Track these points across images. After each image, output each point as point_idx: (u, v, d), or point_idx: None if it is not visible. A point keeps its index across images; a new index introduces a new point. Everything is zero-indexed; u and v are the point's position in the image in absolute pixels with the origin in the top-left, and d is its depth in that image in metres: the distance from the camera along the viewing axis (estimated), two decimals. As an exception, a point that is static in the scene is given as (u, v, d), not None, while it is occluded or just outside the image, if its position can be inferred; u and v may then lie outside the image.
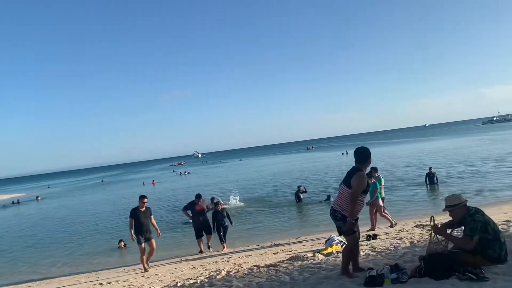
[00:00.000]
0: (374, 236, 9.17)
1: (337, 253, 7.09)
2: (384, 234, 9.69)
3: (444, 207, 4.88)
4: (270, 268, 6.71)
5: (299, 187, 20.60)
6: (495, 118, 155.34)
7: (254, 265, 7.32)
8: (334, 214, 5.12)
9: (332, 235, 8.59)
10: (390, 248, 7.06)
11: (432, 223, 4.96)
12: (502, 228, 6.59)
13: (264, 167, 57.99)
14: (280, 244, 11.43)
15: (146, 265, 10.15)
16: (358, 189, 4.89)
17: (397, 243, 7.59)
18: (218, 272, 7.21)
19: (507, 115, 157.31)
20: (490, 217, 4.76)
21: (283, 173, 40.15)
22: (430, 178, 20.32)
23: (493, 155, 31.68)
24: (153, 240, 10.14)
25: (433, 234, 4.90)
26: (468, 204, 4.84)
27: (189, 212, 12.65)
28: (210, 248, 12.51)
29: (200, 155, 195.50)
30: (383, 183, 12.05)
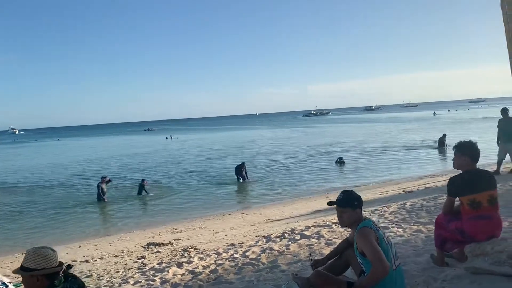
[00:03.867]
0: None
1: None
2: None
3: None
4: None
5: (142, 180, 17.67)
6: (312, 112, 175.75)
7: None
8: None
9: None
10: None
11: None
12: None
13: (76, 150, 52.55)
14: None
15: None
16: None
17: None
18: None
19: (322, 109, 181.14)
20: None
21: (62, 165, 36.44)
22: (239, 172, 19.32)
23: (293, 148, 34.21)
24: None
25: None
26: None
27: None
28: None
29: (17, 131, 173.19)
30: None
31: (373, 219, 6.25)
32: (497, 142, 10.69)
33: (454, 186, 3.91)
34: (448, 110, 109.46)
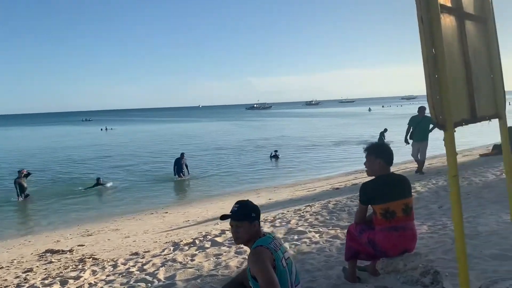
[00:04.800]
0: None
1: None
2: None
3: None
4: None
5: (98, 179, 16.27)
6: (255, 105, 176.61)
7: None
8: None
9: None
10: None
11: None
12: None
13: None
14: None
15: None
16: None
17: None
18: None
19: (265, 103, 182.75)
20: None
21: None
22: (179, 166, 17.75)
23: (232, 142, 33.66)
24: None
25: None
26: None
27: None
28: None
29: None
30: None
31: (281, 230, 5.82)
32: (406, 140, 10.62)
33: (367, 193, 3.42)
34: (382, 106, 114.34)
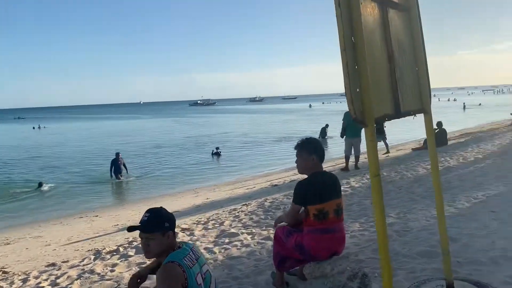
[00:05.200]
0: None
1: None
2: None
3: None
4: None
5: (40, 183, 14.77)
6: (199, 101, 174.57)
7: None
8: None
9: None
10: None
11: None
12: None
13: None
14: None
15: None
16: None
17: None
18: None
19: (209, 99, 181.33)
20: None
21: None
22: (116, 166, 16.73)
23: (173, 139, 32.88)
24: None
25: None
26: None
27: None
28: None
29: None
30: None
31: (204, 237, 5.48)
32: (342, 135, 10.75)
33: (303, 193, 3.19)
34: (323, 103, 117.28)
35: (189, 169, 18.45)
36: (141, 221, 2.41)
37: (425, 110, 2.80)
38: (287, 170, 14.75)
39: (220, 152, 21.68)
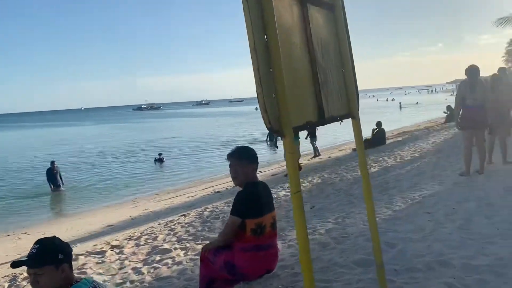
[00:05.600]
0: None
1: None
2: None
3: None
4: None
5: None
6: (143, 106, 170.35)
7: None
8: None
9: None
10: None
11: None
12: None
13: None
14: None
15: None
16: None
17: None
18: None
19: (153, 103, 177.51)
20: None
21: None
22: (52, 176, 15.43)
23: (115, 146, 31.61)
24: None
25: None
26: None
27: None
28: None
29: None
30: None
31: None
32: (266, 140, 10.60)
33: (245, 204, 2.93)
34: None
35: (129, 178, 17.64)
36: (29, 255, 2.03)
37: (353, 115, 2.63)
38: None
39: (163, 158, 21.01)
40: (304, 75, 2.13)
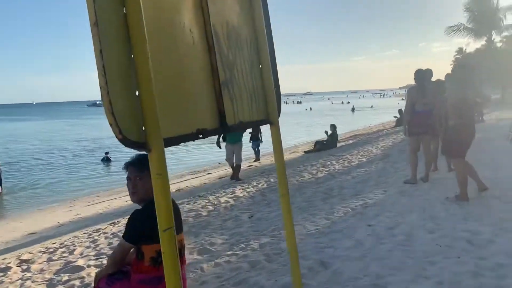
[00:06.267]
0: None
1: None
2: None
3: None
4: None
5: None
6: (98, 102, 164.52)
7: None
8: None
9: None
10: None
11: None
12: None
13: None
14: None
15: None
16: None
17: None
18: None
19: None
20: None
21: None
22: None
23: (64, 143, 30.04)
24: None
25: None
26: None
27: None
28: None
29: None
30: None
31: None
32: (217, 142, 9.91)
33: (140, 228, 2.38)
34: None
35: (73, 178, 16.58)
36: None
37: (271, 120, 2.17)
38: (187, 174, 13.89)
39: (111, 157, 19.95)
40: (196, 68, 1.64)
